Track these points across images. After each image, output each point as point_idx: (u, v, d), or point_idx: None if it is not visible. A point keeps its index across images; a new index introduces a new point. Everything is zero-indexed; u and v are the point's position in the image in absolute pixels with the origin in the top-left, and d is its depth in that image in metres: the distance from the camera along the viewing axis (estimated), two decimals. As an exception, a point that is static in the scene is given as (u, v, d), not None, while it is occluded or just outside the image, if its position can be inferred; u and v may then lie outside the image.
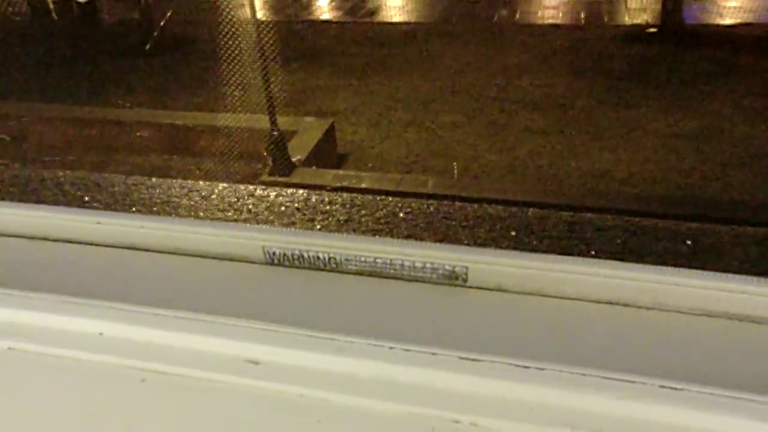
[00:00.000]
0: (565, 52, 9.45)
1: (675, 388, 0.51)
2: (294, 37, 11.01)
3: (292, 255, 0.71)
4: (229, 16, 11.47)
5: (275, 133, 6.02)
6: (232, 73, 8.80)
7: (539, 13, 12.01)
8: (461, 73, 8.62)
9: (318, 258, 0.70)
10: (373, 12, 12.64)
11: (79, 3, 12.53)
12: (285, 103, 7.88)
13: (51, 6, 12.63)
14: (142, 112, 7.60)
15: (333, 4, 13.54)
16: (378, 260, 0.69)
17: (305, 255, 0.71)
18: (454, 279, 0.68)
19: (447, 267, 0.67)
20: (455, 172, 6.08)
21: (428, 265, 0.67)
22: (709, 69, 8.36)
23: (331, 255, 0.71)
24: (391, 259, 0.68)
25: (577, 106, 7.51)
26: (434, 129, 7.03)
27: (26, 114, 7.18)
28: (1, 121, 7.25)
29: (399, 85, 8.38)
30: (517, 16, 11.95)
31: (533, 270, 0.64)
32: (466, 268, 0.66)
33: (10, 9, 12.57)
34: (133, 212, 0.78)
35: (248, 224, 0.80)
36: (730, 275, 0.56)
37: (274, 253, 0.73)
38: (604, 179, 5.88)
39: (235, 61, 8.89)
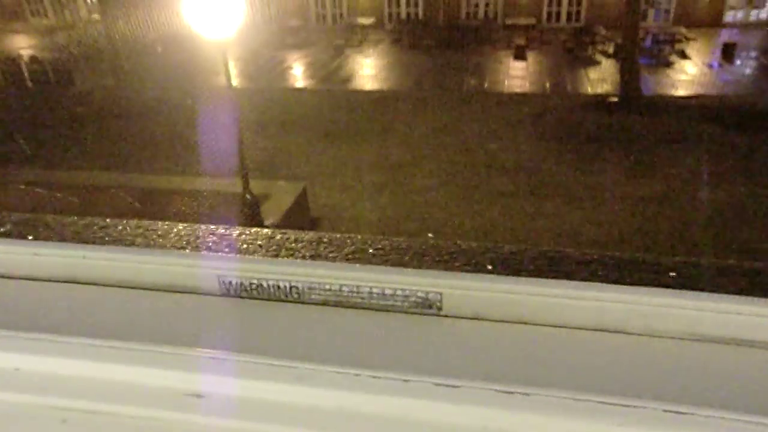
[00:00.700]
0: (533, 118, 9.81)
1: (680, 412, 0.47)
2: (269, 104, 11.23)
3: (250, 285, 0.65)
4: (206, 83, 11.66)
5: (248, 197, 6.00)
6: (205, 137, 8.86)
7: (506, 83, 12.54)
8: (433, 139, 8.84)
9: (278, 287, 0.65)
10: (347, 80, 13.03)
11: (54, 70, 12.63)
12: (258, 168, 7.92)
13: (25, 74, 12.71)
14: (114, 176, 7.54)
15: (307, 72, 13.94)
16: (344, 288, 0.63)
17: (264, 284, 0.65)
18: (427, 307, 0.62)
19: (419, 294, 0.61)
20: (429, 235, 6.10)
21: (399, 293, 0.61)
22: (666, 136, 8.77)
23: (292, 284, 0.65)
24: (357, 287, 0.63)
25: (545, 170, 7.72)
26: (407, 192, 7.11)
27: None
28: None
29: (372, 150, 8.52)
30: (486, 84, 12.45)
31: (516, 295, 0.59)
32: (440, 294, 0.61)
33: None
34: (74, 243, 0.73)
35: (202, 253, 0.74)
36: (722, 296, 0.54)
37: (230, 283, 0.67)
38: (575, 239, 5.97)
39: (210, 126, 8.98)
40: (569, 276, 0.59)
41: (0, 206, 6.46)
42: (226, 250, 0.67)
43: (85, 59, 14.16)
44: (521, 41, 14.76)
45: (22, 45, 16.11)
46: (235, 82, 13.12)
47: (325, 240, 0.69)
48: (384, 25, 17.06)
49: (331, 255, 0.69)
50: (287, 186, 6.99)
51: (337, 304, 0.63)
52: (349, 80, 13.28)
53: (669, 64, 13.20)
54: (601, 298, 0.56)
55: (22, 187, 6.61)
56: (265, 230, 0.70)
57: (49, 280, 0.67)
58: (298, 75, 13.96)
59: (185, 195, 6.62)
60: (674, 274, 0.59)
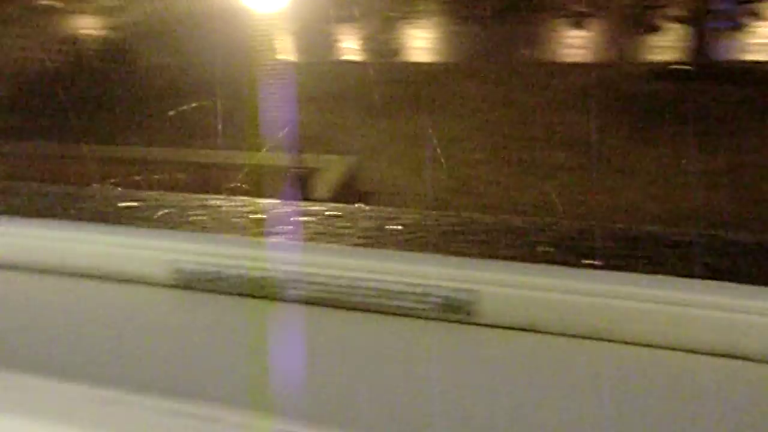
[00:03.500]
0: (592, 90, 9.39)
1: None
2: (321, 78, 11.22)
3: (207, 273, 0.48)
4: (257, 59, 11.78)
5: (298, 170, 6.03)
6: (258, 112, 8.94)
7: (564, 52, 12.03)
8: (486, 112, 8.61)
9: (242, 277, 0.46)
10: (397, 52, 12.84)
11: (116, 49, 13.01)
12: (309, 141, 7.94)
13: (91, 52, 13.15)
14: (168, 151, 7.73)
15: (358, 45, 13.81)
16: (336, 282, 0.45)
17: (223, 273, 0.46)
18: (452, 310, 0.42)
19: (442, 292, 0.42)
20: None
21: (412, 290, 0.41)
22: (738, 105, 8.20)
23: (264, 274, 0.45)
24: (353, 280, 0.43)
25: (605, 143, 7.39)
26: (459, 167, 6.97)
27: (58, 152, 7.37)
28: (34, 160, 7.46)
29: (423, 124, 8.38)
30: (542, 54, 11.99)
31: (585, 297, 0.38)
32: (474, 293, 0.41)
33: (54, 56, 13.14)
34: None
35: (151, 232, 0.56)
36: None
37: (182, 270, 0.50)
38: (635, 216, 5.70)
39: (262, 100, 9.05)
40: (660, 266, 0.38)
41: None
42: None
43: (144, 37, 14.53)
44: (580, 8, 14.10)
45: (87, 24, 16.64)
46: (287, 56, 13.18)
47: (338, 213, 0.53)
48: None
49: (346, 232, 0.52)
50: (337, 159, 6.98)
51: (326, 303, 0.43)
52: (401, 52, 13.08)
53: (740, 27, 12.31)
54: (728, 307, 0.34)
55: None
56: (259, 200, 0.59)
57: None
58: (349, 48, 13.86)
59: (235, 169, 6.73)
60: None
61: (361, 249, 0.49)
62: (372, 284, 0.44)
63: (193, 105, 10.27)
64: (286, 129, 6.22)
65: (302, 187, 5.96)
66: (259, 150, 7.74)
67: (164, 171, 6.56)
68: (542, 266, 0.47)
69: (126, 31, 15.24)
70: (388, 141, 7.87)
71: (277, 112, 6.72)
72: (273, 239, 0.52)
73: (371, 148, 7.70)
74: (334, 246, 0.50)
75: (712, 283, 0.42)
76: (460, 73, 10.91)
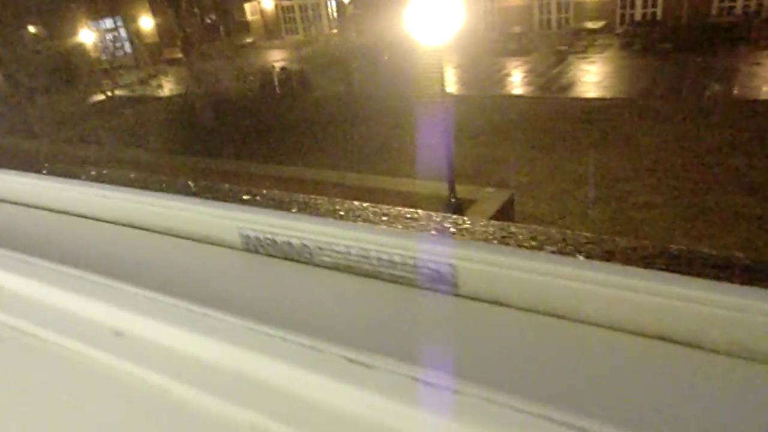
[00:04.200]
0: (794, 131, 8.19)
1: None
2: (484, 111, 11.21)
3: (266, 241, 0.63)
4: (425, 90, 12.13)
5: (453, 200, 6.06)
6: (418, 142, 9.20)
7: (764, 88, 10.67)
8: (659, 151, 7.92)
9: (290, 245, 0.61)
10: (567, 87, 12.39)
11: (297, 79, 14.36)
12: (468, 173, 7.95)
13: (275, 82, 14.68)
14: (334, 174, 8.23)
15: (526, 79, 13.60)
16: (352, 251, 0.57)
17: (278, 240, 0.62)
18: (441, 282, 0.52)
19: (431, 265, 0.52)
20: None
21: (409, 261, 0.52)
22: None
23: (304, 242, 0.60)
24: (365, 250, 0.55)
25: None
26: (624, 209, 6.46)
27: (241, 172, 8.24)
28: (218, 175, 8.40)
29: (588, 162, 7.94)
30: (735, 91, 10.76)
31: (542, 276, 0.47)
32: (455, 267, 0.50)
33: (246, 85, 14.91)
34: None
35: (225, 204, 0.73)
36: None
37: (248, 237, 0.66)
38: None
39: (424, 131, 9.30)
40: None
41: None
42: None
43: (321, 69, 15.78)
44: (787, 40, 12.49)
45: (276, 58, 18.61)
46: (453, 88, 13.42)
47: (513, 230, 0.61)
48: (614, 29, 15.85)
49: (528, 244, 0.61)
50: (494, 193, 6.88)
51: (347, 270, 0.58)
52: (570, 87, 12.63)
53: None
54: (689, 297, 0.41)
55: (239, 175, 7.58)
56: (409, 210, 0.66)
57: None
58: (516, 82, 13.72)
59: (393, 195, 6.94)
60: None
61: (371, 225, 0.62)
62: (380, 255, 0.56)
63: (360, 130, 10.91)
64: (446, 159, 6.30)
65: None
66: (415, 178, 7.95)
67: (324, 192, 7.00)
68: (516, 249, 0.54)
69: (309, 62, 16.79)
70: (548, 177, 7.59)
71: (438, 142, 6.82)
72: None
73: (530, 183, 7.48)
74: (352, 222, 0.64)
75: (670, 276, 0.47)
76: (634, 109, 10.19)
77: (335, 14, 20.10)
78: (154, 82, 14.38)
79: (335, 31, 19.49)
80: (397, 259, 0.55)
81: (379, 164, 8.75)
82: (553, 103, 11.46)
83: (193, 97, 12.97)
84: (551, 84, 12.99)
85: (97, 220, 0.82)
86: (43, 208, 0.90)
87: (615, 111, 10.12)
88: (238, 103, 13.54)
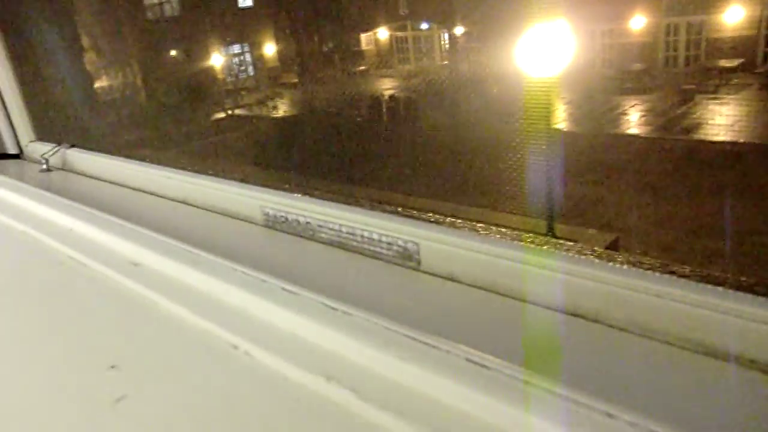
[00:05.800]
0: None
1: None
2: (593, 150, 10.70)
3: (280, 217, 0.80)
4: (531, 124, 11.85)
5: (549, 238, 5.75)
6: (519, 176, 8.89)
7: None
8: (797, 205, 7.05)
9: (298, 222, 0.78)
10: (690, 129, 11.50)
11: (405, 108, 14.59)
12: (570, 212, 7.54)
13: (384, 108, 15.04)
14: (420, 201, 8.21)
15: (644, 119, 12.83)
16: (343, 229, 0.70)
17: (289, 218, 0.80)
18: (407, 258, 0.67)
19: (400, 243, 0.67)
20: None
21: (383, 239, 0.67)
22: None
23: (308, 220, 0.77)
24: (352, 228, 0.70)
25: None
26: (745, 265, 5.76)
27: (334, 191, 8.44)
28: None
29: (707, 211, 7.24)
30: None
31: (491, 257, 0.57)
32: (418, 246, 0.65)
33: (355, 111, 15.42)
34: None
35: (249, 185, 0.95)
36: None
37: (268, 214, 0.84)
38: None
39: (527, 165, 8.98)
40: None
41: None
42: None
43: (430, 99, 15.97)
44: None
45: (387, 86, 19.10)
46: (563, 124, 12.94)
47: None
48: (754, 68, 14.56)
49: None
50: (596, 234, 6.44)
51: (340, 246, 0.75)
52: (694, 129, 11.72)
53: None
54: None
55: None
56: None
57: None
58: (632, 121, 12.99)
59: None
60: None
61: (356, 207, 0.79)
62: (361, 233, 0.74)
63: (460, 161, 10.77)
64: (546, 195, 6.00)
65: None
66: (513, 213, 7.65)
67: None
68: (468, 232, 0.70)
69: (418, 92, 16.99)
70: (658, 225, 7.01)
71: (541, 178, 6.53)
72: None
73: (636, 228, 6.95)
74: (342, 204, 0.81)
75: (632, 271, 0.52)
76: (766, 156, 9.27)
77: (447, 46, 20.35)
78: (270, 104, 15.27)
79: (446, 62, 19.73)
80: (375, 236, 0.67)
81: (477, 196, 8.56)
82: (672, 144, 10.68)
83: (303, 119, 13.61)
84: (673, 125, 12.16)
85: (160, 196, 1.09)
86: (128, 187, 1.24)
87: (749, 157, 9.21)
88: (345, 126, 13.98)
